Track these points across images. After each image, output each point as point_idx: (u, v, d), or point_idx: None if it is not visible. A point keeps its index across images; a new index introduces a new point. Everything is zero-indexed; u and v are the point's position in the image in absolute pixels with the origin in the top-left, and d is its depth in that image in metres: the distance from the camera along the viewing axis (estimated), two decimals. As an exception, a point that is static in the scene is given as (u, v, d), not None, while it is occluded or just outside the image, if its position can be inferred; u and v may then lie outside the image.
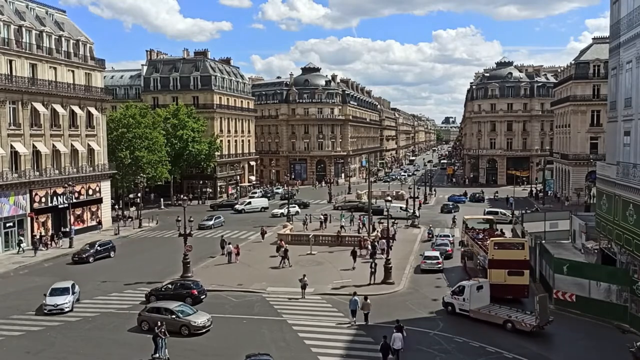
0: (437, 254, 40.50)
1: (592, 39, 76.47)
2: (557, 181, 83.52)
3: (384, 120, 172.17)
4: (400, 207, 63.20)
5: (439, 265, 39.17)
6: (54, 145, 52.39)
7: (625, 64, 32.56)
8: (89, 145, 57.60)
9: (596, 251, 36.59)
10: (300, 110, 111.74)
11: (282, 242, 44.69)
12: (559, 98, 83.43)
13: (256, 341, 25.92)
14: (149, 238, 55.47)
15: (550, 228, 41.84)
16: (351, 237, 49.02)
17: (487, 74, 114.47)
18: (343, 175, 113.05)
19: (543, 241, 37.68)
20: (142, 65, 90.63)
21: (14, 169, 48.30)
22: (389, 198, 41.98)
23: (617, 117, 34.34)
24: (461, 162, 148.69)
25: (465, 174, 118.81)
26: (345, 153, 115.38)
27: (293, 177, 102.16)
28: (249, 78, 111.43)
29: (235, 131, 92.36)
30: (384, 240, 39.76)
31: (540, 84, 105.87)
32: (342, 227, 52.11)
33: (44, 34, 52.14)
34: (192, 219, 38.93)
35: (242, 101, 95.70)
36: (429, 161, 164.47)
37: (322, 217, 56.88)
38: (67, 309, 30.72)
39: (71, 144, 55.00)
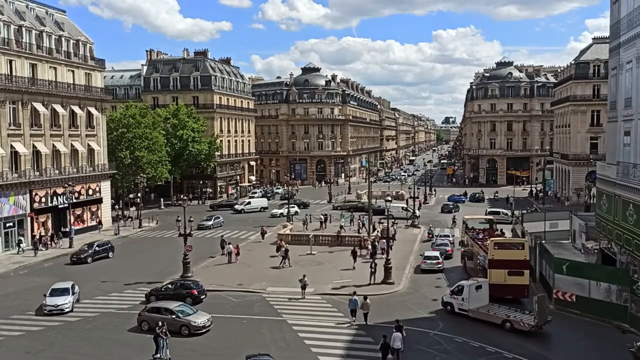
0: (437, 254, 40.51)
1: (592, 39, 76.49)
2: (557, 181, 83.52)
3: (384, 120, 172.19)
4: (402, 207, 63.46)
5: (439, 265, 39.18)
6: (54, 145, 52.39)
7: (625, 64, 32.57)
8: (89, 145, 57.60)
9: (596, 251, 36.60)
10: (300, 110, 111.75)
11: (282, 242, 44.72)
12: (559, 98, 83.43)
13: (256, 341, 25.93)
14: (149, 238, 55.47)
15: (550, 228, 41.88)
16: (351, 237, 49.02)
17: (487, 74, 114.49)
18: (343, 175, 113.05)
19: (543, 241, 37.69)
20: (142, 65, 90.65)
21: (14, 169, 48.30)
22: (389, 198, 42.04)
23: (617, 117, 34.34)
24: (461, 162, 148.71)
25: (465, 174, 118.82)
26: (345, 153, 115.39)
27: (293, 177, 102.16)
28: (249, 78, 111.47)
29: (235, 131, 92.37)
30: (384, 240, 39.77)
31: (540, 84, 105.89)
32: (341, 227, 52.10)
33: (44, 34, 52.15)
34: (192, 219, 38.93)
35: (242, 101, 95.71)
36: (429, 161, 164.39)
37: (322, 217, 56.89)
38: (67, 310, 30.70)
39: (71, 144, 55.00)
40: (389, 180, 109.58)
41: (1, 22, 47.19)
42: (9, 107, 47.83)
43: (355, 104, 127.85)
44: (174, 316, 27.20)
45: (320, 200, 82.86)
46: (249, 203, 74.76)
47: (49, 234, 51.20)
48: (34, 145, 50.01)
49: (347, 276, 37.37)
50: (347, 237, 48.76)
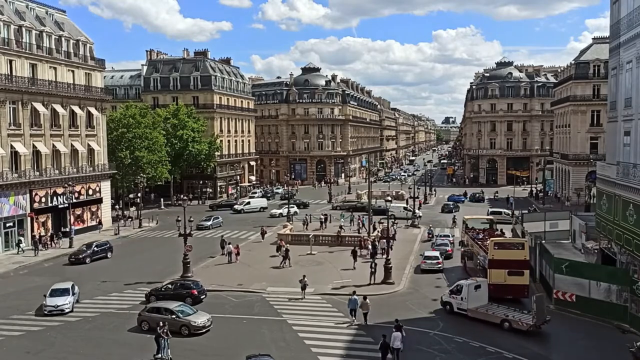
0: (437, 254, 40.52)
1: (592, 39, 76.47)
2: (557, 181, 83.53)
3: (384, 120, 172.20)
4: (404, 207, 63.61)
5: (439, 265, 39.19)
6: (54, 145, 52.39)
7: (625, 64, 32.57)
8: (89, 145, 57.60)
9: (596, 251, 36.60)
10: (300, 110, 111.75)
11: (283, 242, 44.74)
12: (559, 98, 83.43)
13: (256, 341, 25.93)
14: (149, 238, 55.47)
15: (550, 228, 41.91)
16: (351, 237, 49.03)
17: (487, 74, 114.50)
18: (343, 175, 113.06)
19: (543, 241, 37.70)
20: (142, 65, 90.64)
21: (14, 169, 48.30)
22: (389, 198, 42.08)
23: (617, 117, 34.34)
24: (461, 162, 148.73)
25: (465, 174, 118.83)
26: (345, 153, 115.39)
27: (293, 177, 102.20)
28: (249, 78, 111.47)
29: (235, 131, 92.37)
30: (384, 240, 39.77)
31: (540, 84, 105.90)
32: (341, 227, 52.09)
33: (44, 34, 52.15)
34: (192, 219, 38.95)
35: (242, 101, 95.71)
36: (429, 161, 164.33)
37: (322, 217, 56.89)
38: (67, 310, 30.67)
39: (71, 144, 55.00)
40: (389, 180, 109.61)
41: (1, 22, 47.19)
42: (9, 107, 47.83)
43: (355, 104, 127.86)
44: (174, 316, 27.19)
45: (320, 200, 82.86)
46: (248, 203, 74.77)
47: (49, 234, 51.18)
48: (34, 145, 50.01)
49: (347, 276, 37.37)
50: (347, 237, 48.77)
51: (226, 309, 31.32)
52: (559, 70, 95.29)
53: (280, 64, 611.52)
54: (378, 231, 48.86)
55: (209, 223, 59.88)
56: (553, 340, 26.25)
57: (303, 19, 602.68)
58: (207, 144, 77.55)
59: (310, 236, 46.87)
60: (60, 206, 52.72)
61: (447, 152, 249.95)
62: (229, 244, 43.98)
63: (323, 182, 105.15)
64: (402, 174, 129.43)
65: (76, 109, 55.44)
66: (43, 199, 51.13)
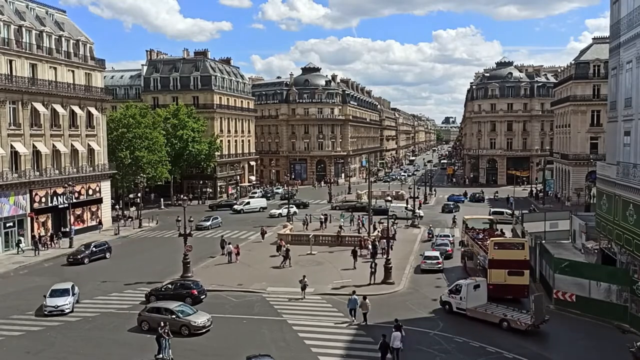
0: (437, 254, 40.53)
1: (592, 39, 76.46)
2: (557, 181, 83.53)
3: (384, 120, 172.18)
4: (405, 207, 63.68)
5: (439, 265, 39.19)
6: (54, 145, 52.39)
7: (625, 64, 32.57)
8: (89, 145, 57.61)
9: (596, 251, 36.60)
10: (300, 110, 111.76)
11: (283, 242, 44.74)
12: (559, 98, 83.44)
13: (256, 341, 25.94)
14: (149, 238, 55.47)
15: (550, 228, 41.91)
16: (351, 237, 49.02)
17: (487, 74, 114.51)
18: (343, 175, 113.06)
19: (543, 241, 37.70)
20: (142, 65, 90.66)
21: (14, 169, 48.30)
22: (389, 198, 42.09)
23: (617, 117, 34.34)
24: (461, 162, 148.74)
25: (465, 174, 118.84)
26: (345, 153, 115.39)
27: (293, 177, 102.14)
28: (249, 78, 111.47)
29: (235, 131, 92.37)
30: (384, 240, 39.78)
31: (540, 84, 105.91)
32: (341, 227, 52.08)
33: (44, 34, 52.15)
34: (192, 219, 38.96)
35: (242, 101, 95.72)
36: (429, 161, 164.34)
37: (322, 217, 56.88)
38: (67, 310, 30.65)
39: (71, 144, 55.00)
40: (389, 180, 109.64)
41: (1, 22, 47.19)
42: (9, 107, 47.83)
43: (355, 104, 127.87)
44: (174, 316, 27.19)
45: (320, 200, 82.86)
46: (248, 203, 74.79)
47: (49, 234, 51.18)
48: (34, 145, 50.01)
49: (347, 276, 37.37)
50: (347, 237, 48.77)
51: (226, 309, 31.32)
52: (559, 70, 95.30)
53: (280, 64, 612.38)
54: (378, 231, 48.87)
55: (208, 223, 59.85)
56: (553, 340, 26.26)
57: (303, 19, 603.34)
58: (207, 144, 77.56)
59: (310, 236, 46.87)
60: (60, 206, 52.73)
61: (447, 152, 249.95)
62: (229, 244, 43.98)
63: (323, 182, 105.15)
64: (402, 174, 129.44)
65: (76, 109, 55.45)
66: (43, 199, 51.13)
